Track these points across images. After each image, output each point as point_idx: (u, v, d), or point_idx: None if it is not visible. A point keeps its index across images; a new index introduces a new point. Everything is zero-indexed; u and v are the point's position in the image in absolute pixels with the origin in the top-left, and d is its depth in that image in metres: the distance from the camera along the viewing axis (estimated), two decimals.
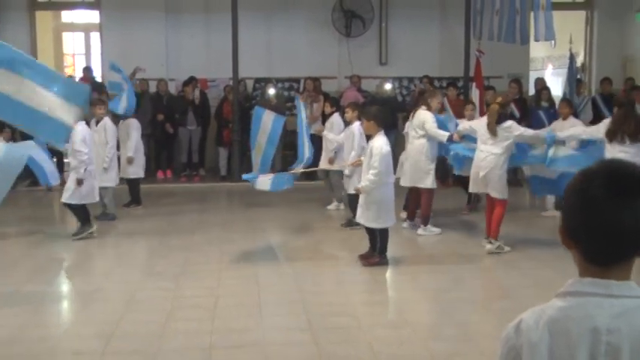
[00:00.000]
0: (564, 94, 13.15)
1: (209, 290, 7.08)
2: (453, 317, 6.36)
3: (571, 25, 15.51)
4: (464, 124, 9.35)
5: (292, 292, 7.09)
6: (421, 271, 7.88)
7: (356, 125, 9.76)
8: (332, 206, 11.29)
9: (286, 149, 14.04)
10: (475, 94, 12.83)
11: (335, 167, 10.63)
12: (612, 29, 16.55)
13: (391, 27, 16.03)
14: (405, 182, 9.77)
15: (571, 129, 9.08)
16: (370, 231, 8.10)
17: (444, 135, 9.31)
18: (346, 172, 9.85)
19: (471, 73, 13.58)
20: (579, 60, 17.03)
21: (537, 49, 17.89)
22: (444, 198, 11.25)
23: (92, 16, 16.85)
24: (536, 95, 14.23)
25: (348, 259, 8.27)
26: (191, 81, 14.25)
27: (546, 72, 19.76)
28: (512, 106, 13.05)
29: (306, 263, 8.20)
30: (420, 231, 9.56)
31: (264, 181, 8.88)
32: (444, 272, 7.85)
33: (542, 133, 8.91)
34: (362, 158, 8.54)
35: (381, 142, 7.78)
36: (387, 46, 16.10)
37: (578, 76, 14.91)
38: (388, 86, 15.47)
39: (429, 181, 9.47)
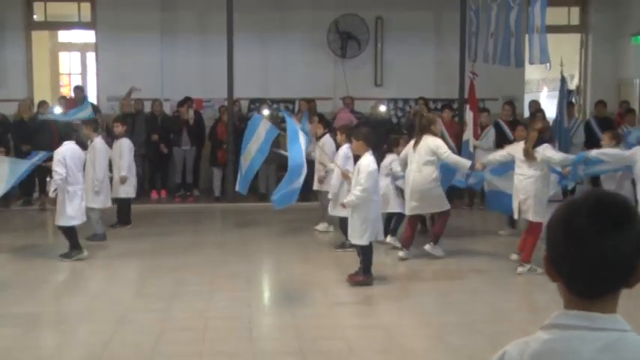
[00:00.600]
0: (556, 116, 13.19)
1: (200, 312, 7.04)
2: (444, 342, 6.33)
3: (566, 48, 15.58)
4: (495, 154, 9.39)
5: (283, 315, 7.06)
6: (412, 292, 7.86)
7: (345, 147, 9.75)
8: (320, 227, 11.26)
9: (281, 170, 14.01)
10: (469, 116, 12.87)
11: (324, 187, 10.63)
12: (607, 52, 16.62)
13: (386, 48, 16.09)
14: (414, 211, 9.34)
15: (605, 149, 9.19)
16: (359, 252, 8.13)
17: (466, 162, 9.35)
18: (330, 194, 9.86)
19: (466, 95, 13.62)
20: (574, 83, 17.11)
21: (532, 72, 17.96)
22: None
23: (88, 36, 16.90)
24: (530, 118, 14.25)
25: (339, 281, 8.24)
26: (186, 101, 14.27)
27: (541, 94, 19.83)
28: (506, 127, 13.11)
29: (298, 285, 8.18)
30: (427, 247, 9.40)
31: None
32: (435, 294, 7.84)
33: (570, 156, 9.10)
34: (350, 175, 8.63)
35: (368, 160, 7.93)
36: (383, 68, 16.15)
37: (572, 99, 14.96)
38: (383, 108, 15.49)
39: (445, 204, 9.36)
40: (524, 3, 12.05)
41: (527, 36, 11.65)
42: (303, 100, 14.58)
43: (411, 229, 9.42)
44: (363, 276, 8.06)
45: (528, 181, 8.57)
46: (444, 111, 14.05)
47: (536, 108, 14.36)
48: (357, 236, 8.02)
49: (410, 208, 9.32)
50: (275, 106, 15.33)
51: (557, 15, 15.54)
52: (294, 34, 15.61)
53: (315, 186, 11.13)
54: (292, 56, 15.58)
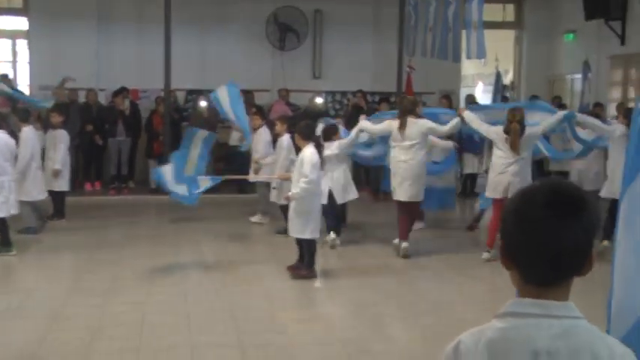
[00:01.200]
0: None
1: (137, 306, 6.94)
2: (382, 333, 6.39)
3: (501, 44, 15.86)
4: (479, 124, 9.02)
5: (222, 307, 7.01)
6: (351, 285, 7.90)
7: (285, 138, 9.78)
8: (255, 218, 11.22)
9: (218, 162, 13.93)
10: None
11: (261, 178, 10.60)
12: (540, 49, 17.01)
13: (325, 41, 16.13)
14: (401, 197, 9.04)
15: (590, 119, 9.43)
16: (299, 242, 8.10)
17: (454, 123, 9.06)
18: (274, 184, 9.84)
19: (404, 89, 13.77)
20: (508, 78, 17.44)
21: (468, 67, 18.26)
22: (376, 212, 11.33)
23: (20, 23, 16.42)
24: None
25: (278, 272, 8.24)
26: (122, 91, 14.02)
27: (476, 89, 20.17)
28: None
29: (236, 278, 8.14)
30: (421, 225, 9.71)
31: (182, 194, 8.78)
32: (374, 286, 7.90)
33: (560, 114, 9.00)
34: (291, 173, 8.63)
35: (310, 152, 7.87)
36: (321, 60, 16.19)
37: (506, 94, 15.24)
38: (320, 100, 15.53)
39: (423, 194, 9.22)
40: None
41: (464, 31, 11.81)
42: (241, 91, 14.44)
43: (407, 222, 9.11)
44: (306, 270, 8.04)
45: (518, 164, 8.58)
46: (381, 104, 14.12)
47: (472, 101, 14.56)
48: (299, 230, 7.96)
49: (404, 194, 8.98)
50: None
51: (492, 11, 15.83)
52: (232, 25, 15.49)
53: (252, 178, 11.08)
54: (230, 47, 15.46)
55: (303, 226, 7.93)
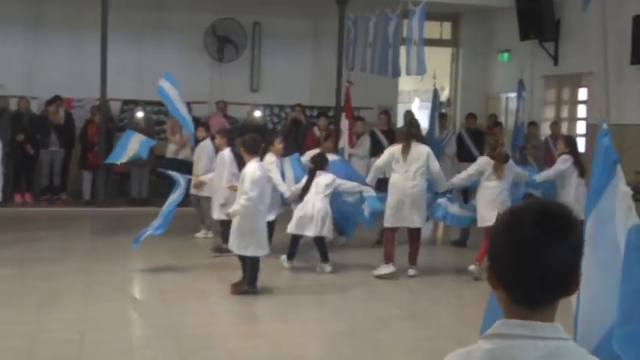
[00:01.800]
0: (428, 127, 13.59)
1: (74, 324, 6.68)
2: (329, 350, 6.32)
3: (437, 61, 16.06)
4: (463, 174, 9.27)
5: (163, 324, 6.83)
6: (296, 301, 7.81)
7: (226, 152, 9.62)
8: (200, 234, 11.04)
9: (154, 174, 13.66)
10: (345, 124, 13.02)
11: (207, 180, 10.44)
12: (476, 67, 17.31)
13: (264, 54, 16.04)
14: (415, 223, 8.87)
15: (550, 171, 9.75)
16: (243, 259, 7.97)
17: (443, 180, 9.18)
18: (222, 201, 9.66)
19: (342, 103, 13.79)
20: (445, 95, 17.68)
21: (405, 83, 18.41)
22: None
23: None
24: (404, 127, 14.57)
25: (220, 289, 8.08)
26: (55, 100, 13.63)
27: (413, 105, 20.39)
28: (381, 136, 13.31)
29: (178, 294, 7.94)
30: (411, 272, 8.93)
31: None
32: (319, 303, 7.84)
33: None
34: (236, 184, 8.51)
35: (253, 168, 7.73)
36: (259, 73, 16.09)
37: (443, 111, 15.44)
38: (258, 114, 15.43)
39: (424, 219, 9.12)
40: (401, 16, 12.32)
41: (404, 47, 11.89)
42: None
43: (393, 242, 8.92)
44: (248, 287, 7.91)
45: (505, 192, 8.86)
46: (319, 118, 14.13)
47: (410, 118, 14.64)
48: (241, 247, 7.81)
49: (417, 221, 8.83)
50: (149, 108, 14.93)
51: (430, 29, 15.99)
52: (170, 34, 15.26)
53: (192, 191, 10.89)
54: (168, 57, 15.17)
55: (245, 243, 7.79)
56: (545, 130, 14.22)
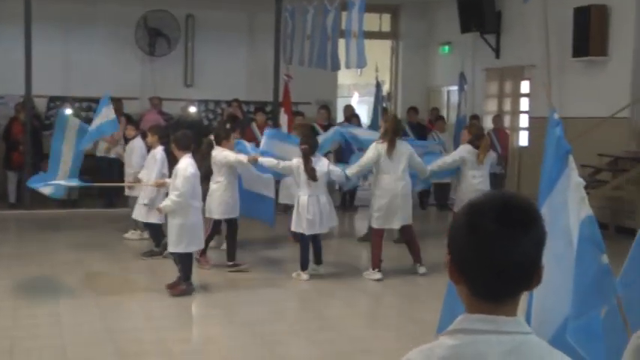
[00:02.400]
0: (371, 121, 13.70)
1: (4, 332, 6.52)
2: (275, 352, 6.31)
3: (377, 54, 16.20)
4: (448, 159, 9.48)
5: (99, 330, 6.71)
6: (237, 301, 7.77)
7: (158, 150, 9.48)
8: (134, 235, 10.87)
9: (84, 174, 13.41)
10: (284, 119, 13.03)
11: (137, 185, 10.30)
12: (417, 60, 17.52)
13: (198, 48, 15.92)
14: (405, 221, 8.87)
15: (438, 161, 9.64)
16: (177, 260, 7.94)
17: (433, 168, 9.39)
18: (145, 201, 9.56)
19: (280, 98, 13.79)
20: (385, 89, 17.84)
21: (344, 77, 18.55)
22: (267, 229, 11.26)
23: None
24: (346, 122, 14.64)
25: (157, 290, 7.97)
26: None
27: (352, 99, 20.51)
28: (321, 131, 13.34)
29: (112, 297, 7.83)
30: (421, 269, 8.96)
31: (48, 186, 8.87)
32: (261, 302, 7.81)
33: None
34: (167, 180, 8.52)
35: (185, 164, 7.75)
36: (194, 68, 15.96)
37: (384, 105, 15.58)
38: (193, 109, 15.31)
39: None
40: (340, 7, 12.37)
41: (343, 40, 11.94)
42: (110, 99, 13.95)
43: (381, 246, 8.86)
44: (184, 285, 7.87)
45: (486, 180, 9.36)
46: (257, 114, 14.12)
47: (350, 113, 14.78)
48: (174, 243, 7.82)
49: (407, 218, 8.86)
50: (77, 105, 14.67)
51: (369, 21, 16.10)
52: (98, 27, 15.03)
53: (126, 191, 10.77)
54: (97, 52, 14.98)
55: (177, 240, 7.78)
56: (488, 124, 14.46)
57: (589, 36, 12.06)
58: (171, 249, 7.96)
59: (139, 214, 9.65)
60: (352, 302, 8.01)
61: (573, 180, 3.37)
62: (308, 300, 8.09)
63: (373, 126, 13.57)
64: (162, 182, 8.84)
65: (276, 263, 9.51)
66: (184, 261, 7.89)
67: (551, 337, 3.19)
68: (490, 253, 1.70)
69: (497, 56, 14.93)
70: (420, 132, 13.50)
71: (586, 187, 3.44)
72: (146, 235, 10.67)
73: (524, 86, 14.35)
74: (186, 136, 8.07)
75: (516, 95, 14.56)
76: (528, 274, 1.74)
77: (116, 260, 9.54)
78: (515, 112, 14.57)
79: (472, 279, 1.75)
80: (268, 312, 7.50)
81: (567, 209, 3.34)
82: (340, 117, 15.87)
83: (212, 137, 9.35)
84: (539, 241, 1.74)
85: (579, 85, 12.59)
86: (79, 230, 11.32)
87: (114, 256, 9.78)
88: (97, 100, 14.76)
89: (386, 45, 17.98)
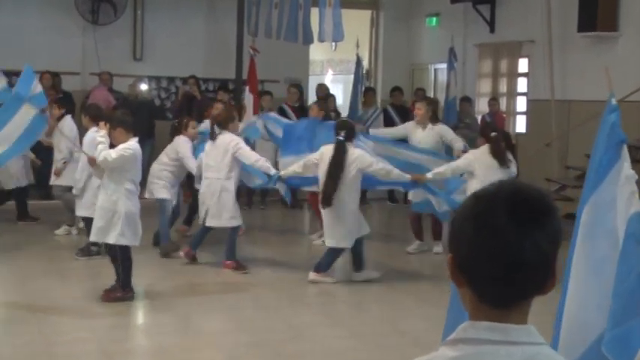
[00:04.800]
0: (350, 103, 13.70)
1: None
2: None
3: (354, 27, 16.17)
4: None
5: (32, 339, 6.66)
6: (193, 309, 7.74)
7: (90, 133, 9.25)
8: (60, 231, 10.80)
9: None
10: (249, 99, 12.95)
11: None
12: (400, 33, 17.54)
13: (148, 16, 15.81)
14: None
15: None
16: (114, 258, 7.83)
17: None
18: (74, 191, 9.49)
19: (245, 75, 13.72)
20: (364, 65, 17.84)
21: (316, 52, 18.51)
22: None
23: None
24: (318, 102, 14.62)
25: (94, 295, 7.88)
26: None
27: (326, 77, 20.52)
28: (290, 112, 13.32)
29: (49, 306, 7.75)
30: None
31: None
32: (220, 309, 7.80)
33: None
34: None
35: (127, 146, 7.64)
36: (143, 39, 15.86)
37: (368, 84, 15.59)
38: (144, 87, 15.22)
39: None
40: None
41: (317, 10, 11.90)
42: (46, 73, 13.82)
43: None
44: (122, 291, 7.78)
45: None
46: (218, 93, 14.05)
47: (324, 92, 14.77)
48: (101, 232, 7.71)
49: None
50: (7, 80, 14.48)
51: None
52: None
53: (52, 179, 10.58)
54: (29, 19, 14.79)
55: (105, 227, 7.67)
56: (482, 107, 14.52)
57: (597, 8, 12.11)
58: (94, 238, 7.90)
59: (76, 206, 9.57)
60: (327, 310, 8.02)
61: (624, 173, 3.28)
62: (275, 307, 8.08)
63: (353, 109, 13.59)
64: (93, 160, 8.52)
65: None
66: (124, 261, 7.73)
67: (583, 354, 3.12)
68: (498, 251, 1.69)
69: (492, 30, 14.99)
70: (404, 116, 13.52)
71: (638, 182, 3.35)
72: (75, 230, 10.61)
73: (522, 65, 14.42)
74: (128, 117, 8.00)
75: (513, 75, 14.60)
76: (542, 276, 1.73)
77: (46, 260, 9.44)
78: (512, 93, 14.62)
79: (477, 281, 1.74)
80: (231, 320, 7.48)
81: (616, 207, 3.26)
82: (312, 97, 15.83)
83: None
84: (554, 238, 1.73)
85: (585, 65, 12.63)
86: (5, 224, 11.16)
87: (43, 255, 9.71)
88: None
89: (365, 16, 17.95)
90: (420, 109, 10.43)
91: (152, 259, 9.33)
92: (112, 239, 7.69)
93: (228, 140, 9.07)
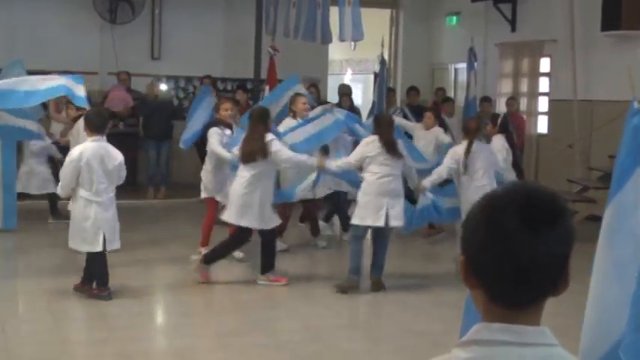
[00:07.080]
0: (373, 103, 13.67)
1: None
2: None
3: (374, 26, 16.15)
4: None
5: (44, 343, 6.67)
6: (209, 309, 7.76)
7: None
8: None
9: None
10: None
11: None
12: (420, 33, 17.52)
13: (166, 15, 15.88)
14: None
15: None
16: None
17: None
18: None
19: (263, 75, 13.73)
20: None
21: (335, 51, 18.51)
22: None
23: None
24: (339, 103, 14.60)
25: (63, 291, 7.92)
26: None
27: (345, 77, 20.51)
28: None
29: (10, 297, 7.89)
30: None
31: None
32: (237, 310, 7.80)
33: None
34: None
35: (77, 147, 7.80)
36: (161, 38, 15.92)
37: (390, 85, 15.57)
38: (163, 87, 15.29)
39: None
40: None
41: (336, 9, 11.89)
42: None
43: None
44: (98, 289, 7.78)
45: None
46: (237, 93, 14.08)
47: (345, 92, 14.74)
48: (79, 240, 7.75)
49: None
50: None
51: None
52: None
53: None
54: (46, 18, 14.89)
55: (71, 233, 7.78)
56: (503, 107, 14.46)
57: (621, 6, 12.03)
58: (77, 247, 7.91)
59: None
60: (343, 311, 8.02)
61: None
62: (292, 308, 8.09)
63: (379, 109, 13.53)
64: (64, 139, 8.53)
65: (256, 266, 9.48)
66: (97, 261, 7.77)
67: (601, 358, 3.11)
68: (511, 253, 1.70)
69: (513, 29, 14.94)
70: (420, 116, 13.47)
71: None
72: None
73: (544, 64, 14.37)
74: (102, 117, 7.99)
75: (534, 75, 14.56)
76: (555, 278, 1.75)
77: (16, 257, 9.53)
78: (533, 93, 14.58)
79: (490, 283, 1.76)
80: (243, 321, 7.49)
81: (638, 210, 3.26)
82: (332, 97, 15.82)
83: None
84: (567, 240, 1.74)
85: (608, 64, 12.55)
86: None
87: (21, 249, 9.88)
88: (48, 74, 14.80)
89: (384, 15, 17.94)
90: (430, 118, 11.48)
91: (169, 261, 9.35)
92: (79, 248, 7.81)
93: None
